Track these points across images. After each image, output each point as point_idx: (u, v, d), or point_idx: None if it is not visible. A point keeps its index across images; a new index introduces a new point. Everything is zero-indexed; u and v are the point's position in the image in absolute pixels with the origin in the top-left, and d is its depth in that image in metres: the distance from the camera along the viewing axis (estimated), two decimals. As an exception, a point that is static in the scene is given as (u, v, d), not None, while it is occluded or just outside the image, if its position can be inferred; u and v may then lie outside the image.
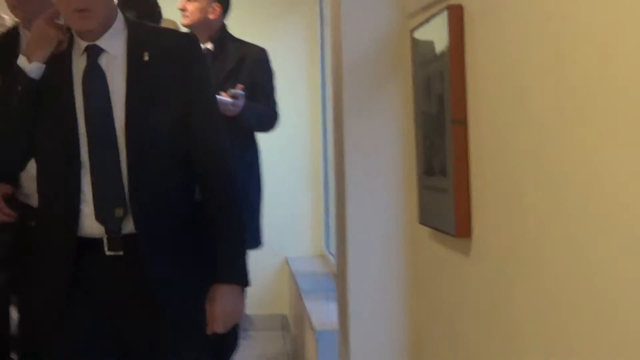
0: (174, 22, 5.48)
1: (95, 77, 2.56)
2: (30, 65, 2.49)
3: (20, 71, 2.49)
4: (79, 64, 2.57)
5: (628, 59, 1.33)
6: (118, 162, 2.53)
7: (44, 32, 2.52)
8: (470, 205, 2.25)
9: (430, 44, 2.49)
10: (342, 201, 3.08)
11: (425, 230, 2.73)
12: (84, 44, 2.56)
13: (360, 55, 2.97)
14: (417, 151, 2.73)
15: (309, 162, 6.46)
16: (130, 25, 2.63)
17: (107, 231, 2.53)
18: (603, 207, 1.45)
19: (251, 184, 4.32)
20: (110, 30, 2.57)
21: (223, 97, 3.84)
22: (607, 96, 1.42)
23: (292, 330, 6.11)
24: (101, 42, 2.56)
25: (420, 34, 2.62)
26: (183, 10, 4.28)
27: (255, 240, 4.33)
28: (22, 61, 2.50)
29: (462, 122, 2.25)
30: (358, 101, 2.99)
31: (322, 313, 4.63)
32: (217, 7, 4.30)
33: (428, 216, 2.62)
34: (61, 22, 2.55)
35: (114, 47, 2.57)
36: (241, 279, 2.70)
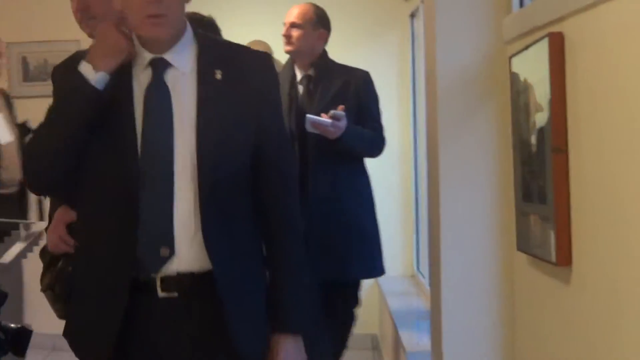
0: (264, 44, 5.45)
1: (160, 94, 2.21)
2: (96, 75, 2.14)
3: (83, 80, 2.14)
4: (141, 79, 2.21)
5: None
6: (171, 193, 2.17)
7: (114, 39, 2.18)
8: (570, 233, 2.22)
9: (529, 71, 2.48)
10: (436, 225, 3.07)
11: (523, 257, 2.71)
12: (148, 56, 2.20)
13: (455, 80, 2.96)
14: (514, 177, 2.71)
15: (399, 181, 6.42)
16: (200, 39, 2.28)
17: (151, 271, 2.18)
18: None
19: (364, 211, 4.07)
20: (179, 43, 2.22)
21: (322, 118, 3.69)
22: None
23: (383, 350, 6.08)
24: (168, 55, 2.20)
25: (519, 61, 2.61)
26: (288, 37, 4.01)
27: (376, 269, 4.17)
28: (86, 69, 2.15)
29: (562, 150, 2.24)
30: (453, 125, 2.98)
31: (413, 334, 4.58)
32: (323, 33, 4.05)
33: (526, 243, 2.59)
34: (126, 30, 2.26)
35: (183, 62, 2.21)
36: (303, 328, 2.36)
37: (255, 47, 5.36)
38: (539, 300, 2.59)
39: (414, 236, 6.24)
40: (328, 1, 6.52)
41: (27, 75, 6.28)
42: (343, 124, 3.71)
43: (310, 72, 4.00)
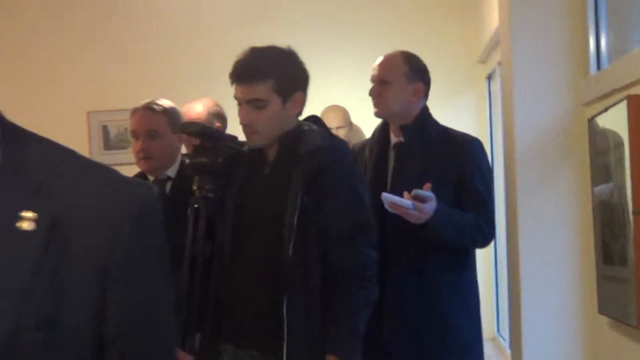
0: (342, 110, 5.31)
1: None
2: None
3: None
4: None
5: None
6: None
7: None
8: None
9: (608, 133, 2.48)
10: (516, 288, 3.06)
11: (604, 320, 2.67)
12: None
13: (533, 141, 2.98)
14: (594, 239, 2.69)
15: None
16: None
17: None
18: None
19: (464, 316, 3.06)
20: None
21: (401, 199, 2.76)
22: None
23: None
24: None
25: (598, 123, 2.61)
26: (375, 96, 3.08)
27: None
28: None
29: None
30: (532, 186, 2.98)
31: None
32: (419, 87, 3.06)
33: (608, 306, 2.57)
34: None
35: None
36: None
37: (332, 114, 5.22)
38: None
39: (494, 298, 6.16)
40: (370, 54, 6.53)
41: (108, 143, 6.32)
42: (430, 207, 2.76)
43: (402, 138, 3.08)
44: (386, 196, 2.76)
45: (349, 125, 5.16)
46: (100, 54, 6.52)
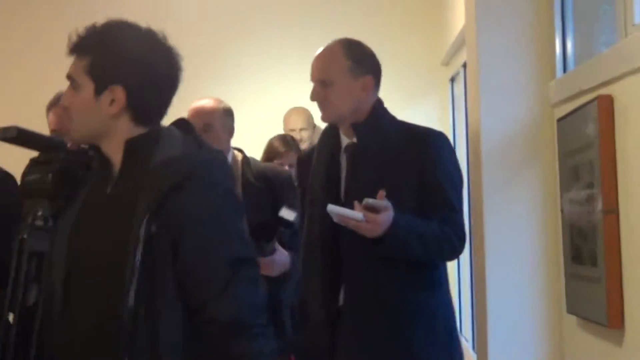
0: (304, 111, 5.09)
1: None
2: None
3: None
4: None
5: None
6: None
7: None
8: (622, 295, 2.20)
9: (578, 134, 2.48)
10: (481, 290, 3.05)
11: (573, 320, 2.68)
12: None
13: (499, 143, 2.97)
14: (563, 239, 2.70)
15: None
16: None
17: None
18: None
19: (434, 347, 2.54)
20: None
21: (350, 211, 2.36)
22: None
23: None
24: None
25: (567, 124, 2.61)
26: (319, 101, 2.61)
27: None
28: None
29: (613, 211, 2.22)
30: (497, 187, 2.98)
31: None
32: (368, 80, 2.60)
33: (577, 305, 2.58)
34: None
35: None
36: None
37: (295, 116, 5.16)
38: None
39: (457, 298, 6.17)
40: None
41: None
42: (385, 218, 2.35)
43: (354, 139, 2.61)
44: (332, 209, 2.36)
45: (312, 127, 5.11)
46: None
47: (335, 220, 2.39)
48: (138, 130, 1.91)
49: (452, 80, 6.05)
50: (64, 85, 1.95)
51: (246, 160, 3.24)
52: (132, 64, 1.88)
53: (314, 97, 2.61)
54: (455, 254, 2.62)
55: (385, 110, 2.67)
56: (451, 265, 6.23)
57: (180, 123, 2.10)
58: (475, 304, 3.32)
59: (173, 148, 1.91)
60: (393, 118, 2.68)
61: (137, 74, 1.88)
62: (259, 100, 5.90)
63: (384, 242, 2.39)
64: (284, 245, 2.95)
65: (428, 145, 2.57)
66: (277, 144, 4.28)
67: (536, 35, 2.96)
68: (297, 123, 5.06)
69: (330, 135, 2.70)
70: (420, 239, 2.46)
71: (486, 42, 3.00)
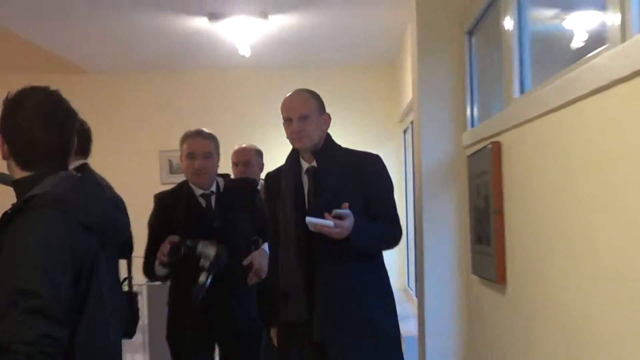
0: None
1: None
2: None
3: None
4: None
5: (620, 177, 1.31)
6: None
7: None
8: (505, 263, 2.20)
9: (479, 164, 2.47)
10: (421, 258, 3.04)
11: (475, 278, 2.68)
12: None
13: (433, 171, 2.95)
14: (470, 229, 2.69)
15: None
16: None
17: None
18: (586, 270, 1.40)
19: (385, 312, 2.34)
20: None
21: (323, 220, 2.09)
22: (590, 188, 1.39)
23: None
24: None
25: (473, 158, 2.61)
26: (299, 132, 2.27)
27: None
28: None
29: (500, 211, 2.23)
30: (431, 198, 2.96)
31: (405, 326, 4.49)
32: (327, 117, 2.34)
33: (478, 269, 2.57)
34: None
35: None
36: None
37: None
38: (485, 306, 2.56)
39: (406, 264, 6.16)
40: (340, 120, 6.31)
41: (171, 170, 6.45)
42: (349, 223, 2.12)
43: (314, 163, 2.31)
44: (310, 220, 2.07)
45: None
46: (167, 114, 6.53)
47: (311, 228, 2.09)
48: (23, 174, 1.50)
49: (405, 131, 6.04)
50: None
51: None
52: (9, 122, 1.49)
53: (295, 128, 2.25)
54: (396, 243, 2.34)
55: (334, 141, 2.36)
56: (403, 242, 6.22)
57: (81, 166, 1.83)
58: (417, 267, 3.30)
59: (43, 188, 1.44)
60: (340, 146, 2.37)
61: (11, 132, 1.49)
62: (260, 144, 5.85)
63: (351, 241, 2.13)
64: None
65: (371, 165, 2.32)
66: None
67: (455, 105, 2.93)
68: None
69: (293, 161, 2.33)
70: (375, 235, 2.24)
71: (424, 108, 2.97)
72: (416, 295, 3.61)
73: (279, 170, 2.40)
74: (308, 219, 2.07)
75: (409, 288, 5.99)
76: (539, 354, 1.84)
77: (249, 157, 3.39)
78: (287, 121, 2.27)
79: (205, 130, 2.75)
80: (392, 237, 2.32)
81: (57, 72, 6.22)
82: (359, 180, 2.26)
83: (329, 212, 2.10)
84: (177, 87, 6.58)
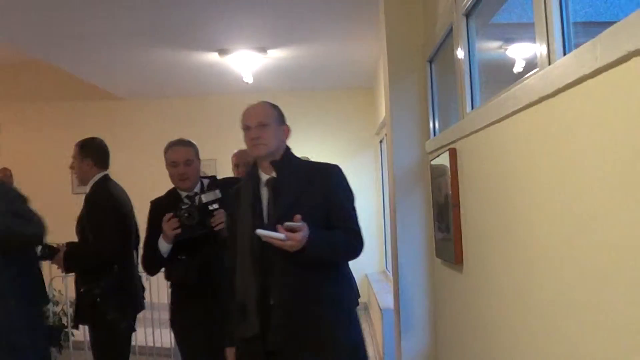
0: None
1: None
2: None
3: None
4: None
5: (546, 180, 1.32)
6: None
7: None
8: (462, 247, 2.20)
9: (440, 167, 2.46)
10: (394, 245, 3.03)
11: (438, 261, 2.67)
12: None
13: (403, 173, 2.95)
14: (433, 218, 2.68)
15: (375, 219, 6.23)
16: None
17: None
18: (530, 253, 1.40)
19: (339, 322, 1.84)
20: None
21: (273, 233, 1.70)
22: (535, 181, 1.40)
23: (370, 309, 5.93)
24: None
25: (435, 162, 2.59)
26: (257, 138, 1.88)
27: None
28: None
29: (457, 205, 2.22)
30: (402, 195, 2.95)
31: (384, 301, 4.47)
32: (287, 129, 1.95)
33: (440, 252, 2.55)
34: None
35: None
36: None
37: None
38: (447, 282, 2.55)
39: (384, 250, 6.14)
40: (328, 134, 6.26)
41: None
42: (301, 236, 1.71)
43: (273, 173, 1.90)
44: (260, 232, 1.70)
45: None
46: (185, 132, 6.47)
47: (263, 239, 1.72)
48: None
49: (381, 141, 5.98)
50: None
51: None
52: None
53: (253, 135, 1.88)
54: (356, 254, 1.87)
55: (292, 153, 1.96)
56: (382, 233, 6.17)
57: None
58: (391, 250, 3.26)
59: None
60: (297, 157, 1.95)
61: None
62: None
63: (305, 253, 1.72)
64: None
65: (329, 176, 1.89)
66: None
67: (420, 119, 2.93)
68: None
69: (252, 173, 1.94)
70: (331, 247, 1.80)
71: (395, 123, 2.96)
72: (392, 276, 3.61)
73: (238, 186, 1.98)
74: (258, 231, 1.70)
75: (387, 270, 5.99)
76: (489, 317, 1.84)
77: (249, 159, 3.29)
78: (246, 129, 1.90)
79: (185, 139, 2.56)
80: (352, 247, 1.85)
81: (92, 99, 6.19)
82: (319, 191, 1.85)
83: (290, 221, 1.72)
84: (193, 110, 6.57)
